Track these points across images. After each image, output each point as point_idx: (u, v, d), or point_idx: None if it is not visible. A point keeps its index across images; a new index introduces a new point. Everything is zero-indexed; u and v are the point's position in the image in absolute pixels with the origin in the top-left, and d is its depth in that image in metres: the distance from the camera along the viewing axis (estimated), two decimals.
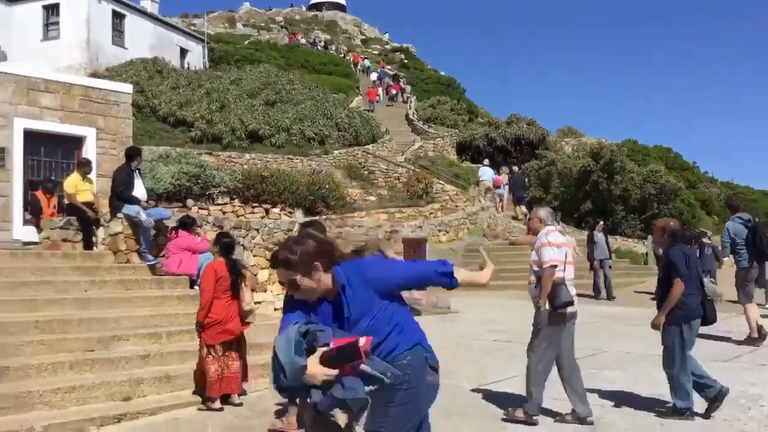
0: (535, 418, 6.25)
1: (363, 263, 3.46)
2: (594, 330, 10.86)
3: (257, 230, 12.73)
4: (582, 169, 27.25)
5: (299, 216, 19.70)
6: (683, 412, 6.28)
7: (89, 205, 11.18)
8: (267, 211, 20.11)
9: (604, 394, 7.20)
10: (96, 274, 9.56)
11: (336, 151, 28.35)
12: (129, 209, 10.44)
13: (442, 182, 26.26)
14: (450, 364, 8.92)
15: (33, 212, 12.44)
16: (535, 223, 6.58)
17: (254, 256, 11.94)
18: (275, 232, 16.74)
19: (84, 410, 6.45)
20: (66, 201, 11.66)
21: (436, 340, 9.70)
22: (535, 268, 6.33)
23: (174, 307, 9.31)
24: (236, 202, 20.30)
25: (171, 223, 10.98)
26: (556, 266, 6.15)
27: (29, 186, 12.66)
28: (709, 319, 6.55)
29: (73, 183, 11.22)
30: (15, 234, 12.21)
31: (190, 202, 19.30)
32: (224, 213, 19.22)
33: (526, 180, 28.48)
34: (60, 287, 8.83)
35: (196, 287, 10.21)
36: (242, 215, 19.45)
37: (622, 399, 7.00)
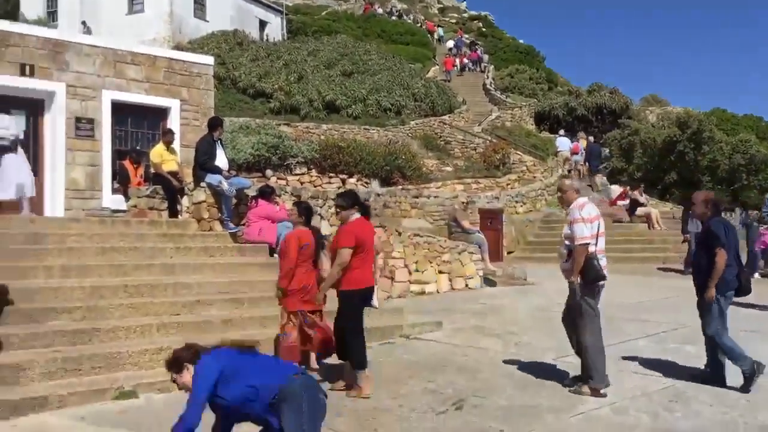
0: (603, 390, 6.22)
1: None
2: (677, 304, 10.55)
3: (334, 200, 12.83)
4: (667, 139, 26.32)
5: (375, 186, 19.78)
6: (751, 375, 6.33)
7: (174, 174, 11.52)
8: (343, 182, 20.26)
9: (686, 369, 7.01)
10: (180, 241, 9.87)
11: (412, 122, 28.25)
12: (211, 178, 10.70)
13: (519, 153, 25.85)
14: (527, 335, 8.89)
15: (121, 181, 12.89)
16: (570, 194, 6.50)
17: (331, 225, 12.07)
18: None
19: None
20: (152, 170, 12.05)
21: (514, 313, 9.69)
22: (567, 243, 6.37)
23: (254, 275, 9.54)
24: (313, 172, 20.52)
25: (251, 193, 11.22)
26: (587, 244, 6.18)
27: (117, 156, 13.10)
28: (744, 290, 6.63)
29: (158, 153, 11.57)
30: (104, 202, 12.69)
31: (269, 172, 19.64)
32: (302, 183, 19.48)
33: (607, 150, 27.71)
34: (147, 253, 9.17)
35: (276, 255, 10.43)
36: (319, 185, 19.67)
37: (704, 373, 6.80)
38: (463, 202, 15.54)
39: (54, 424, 5.35)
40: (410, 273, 12.59)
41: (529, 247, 19.33)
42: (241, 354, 4.10)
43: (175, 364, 4.12)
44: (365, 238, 6.61)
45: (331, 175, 20.54)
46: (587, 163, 26.14)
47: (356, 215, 6.66)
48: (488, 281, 13.67)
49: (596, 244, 6.24)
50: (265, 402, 3.91)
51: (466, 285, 13.22)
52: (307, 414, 3.93)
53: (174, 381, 4.18)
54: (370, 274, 6.83)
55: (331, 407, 5.81)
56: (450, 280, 13.12)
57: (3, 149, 10.22)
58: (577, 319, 6.36)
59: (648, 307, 10.74)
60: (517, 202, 21.34)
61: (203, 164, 10.80)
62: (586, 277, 6.21)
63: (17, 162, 10.46)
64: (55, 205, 12.13)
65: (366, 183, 20.41)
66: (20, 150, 10.52)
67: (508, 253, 17.81)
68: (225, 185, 10.65)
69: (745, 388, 6.29)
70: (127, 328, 7.15)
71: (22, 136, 10.64)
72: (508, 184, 23.22)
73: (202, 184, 10.88)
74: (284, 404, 3.89)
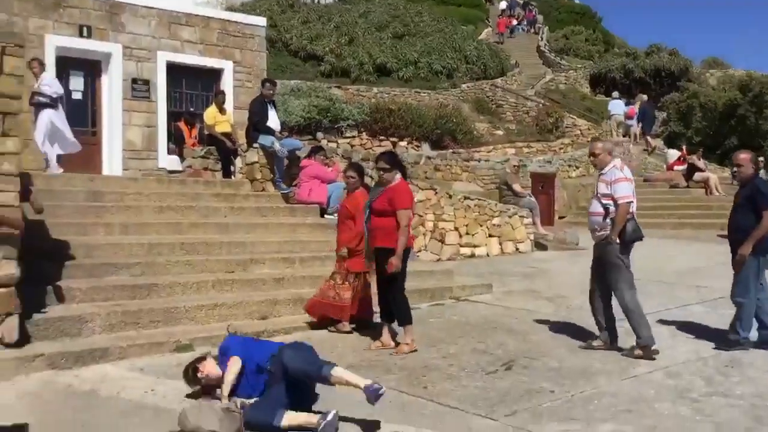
0: (654, 347, 6.23)
1: None
2: None
3: (375, 161, 12.82)
4: (728, 102, 25.48)
5: (426, 149, 19.68)
6: (742, 342, 6.47)
7: (227, 135, 11.67)
8: (394, 145, 20.18)
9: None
10: (234, 201, 10.04)
11: (464, 85, 27.90)
12: (264, 139, 10.81)
13: (573, 116, 25.33)
14: (579, 299, 8.78)
15: (176, 142, 13.12)
16: (604, 157, 6.49)
17: None
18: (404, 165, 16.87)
19: (225, 326, 6.86)
20: (206, 132, 12.22)
21: (566, 277, 9.61)
22: (604, 201, 6.33)
23: (306, 235, 9.65)
24: (364, 135, 20.48)
25: (303, 154, 11.30)
26: (631, 202, 6.23)
27: (172, 117, 13.31)
28: None
29: (211, 114, 11.71)
30: (160, 163, 12.95)
31: (319, 135, 19.69)
32: (352, 146, 19.49)
33: (666, 114, 26.96)
34: (202, 212, 9.35)
35: (327, 216, 10.53)
36: (369, 148, 19.65)
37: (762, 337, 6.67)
38: (514, 166, 15.36)
39: (114, 374, 5.54)
40: (460, 236, 12.57)
41: (582, 212, 18.98)
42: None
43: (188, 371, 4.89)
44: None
45: (382, 138, 20.47)
46: (641, 126, 25.49)
47: (399, 176, 6.66)
48: (539, 245, 13.56)
49: (634, 205, 6.34)
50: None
51: (517, 249, 13.14)
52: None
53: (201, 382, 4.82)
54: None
55: (381, 365, 5.91)
56: (500, 244, 13.06)
57: (44, 105, 10.42)
58: (615, 280, 6.35)
59: (704, 274, 10.52)
60: (569, 166, 20.99)
61: (256, 125, 10.91)
62: (626, 237, 6.24)
63: (62, 118, 10.66)
64: (112, 165, 12.43)
65: (417, 146, 20.31)
66: (60, 108, 10.70)
67: (560, 217, 17.61)
68: (277, 146, 10.74)
69: None
70: (184, 284, 7.32)
71: (62, 93, 10.80)
72: (560, 148, 22.84)
73: (255, 145, 11.00)
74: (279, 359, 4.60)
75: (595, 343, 6.54)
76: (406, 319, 6.53)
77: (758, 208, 6.33)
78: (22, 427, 4.30)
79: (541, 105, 25.98)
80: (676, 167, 20.05)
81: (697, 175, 18.90)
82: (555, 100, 26.87)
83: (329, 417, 4.18)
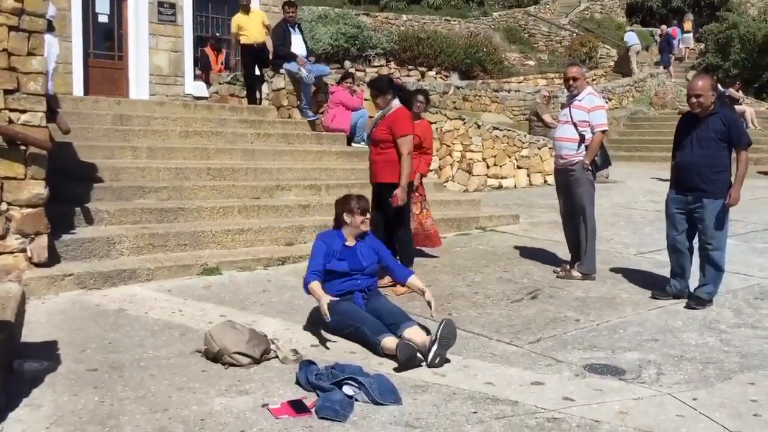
0: (594, 276, 6.46)
1: None
2: None
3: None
4: None
5: (455, 79, 19.31)
6: None
7: (260, 47, 11.12)
8: (422, 74, 19.85)
9: None
10: (260, 128, 9.97)
11: (495, 13, 27.19)
12: (290, 65, 10.63)
13: (607, 47, 24.65)
14: (608, 231, 8.74)
15: (202, 68, 13.01)
16: (583, 82, 6.51)
17: None
18: (431, 95, 16.61)
19: (251, 251, 6.92)
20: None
21: (594, 209, 9.48)
22: (581, 129, 6.33)
23: (332, 162, 9.59)
24: (392, 64, 20.12)
25: (330, 81, 11.13)
26: (606, 131, 6.43)
27: (198, 42, 13.15)
28: None
29: (235, 22, 11.26)
30: (187, 89, 12.89)
31: (347, 63, 19.38)
32: (380, 75, 19.21)
33: (703, 45, 26.09)
34: (228, 138, 9.30)
35: (354, 144, 10.44)
36: (398, 78, 19.35)
37: None
38: (545, 96, 15.02)
39: (142, 294, 5.62)
40: (488, 167, 12.44)
41: (613, 145, 18.66)
42: None
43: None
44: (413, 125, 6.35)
45: (410, 67, 20.12)
46: (661, 56, 24.76)
47: (396, 101, 6.20)
48: None
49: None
50: None
51: (545, 181, 12.98)
52: None
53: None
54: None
55: (407, 292, 5.90)
56: (528, 176, 12.92)
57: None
58: (585, 204, 6.49)
59: (736, 208, 10.29)
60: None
61: (277, 51, 10.70)
62: (599, 164, 6.48)
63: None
64: (139, 90, 12.40)
65: (445, 76, 19.94)
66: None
67: None
68: (304, 72, 10.56)
69: None
70: (211, 208, 7.34)
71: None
72: (593, 80, 22.26)
73: (282, 70, 10.83)
74: None
75: (574, 273, 6.56)
76: (409, 259, 6.26)
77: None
78: (51, 344, 4.38)
79: (574, 34, 25.31)
80: None
81: (735, 108, 18.37)
82: (589, 30, 26.12)
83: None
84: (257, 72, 11.31)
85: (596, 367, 4.29)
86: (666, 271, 6.11)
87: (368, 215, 4.94)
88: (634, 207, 10.70)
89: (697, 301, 5.62)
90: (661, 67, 25.03)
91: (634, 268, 6.93)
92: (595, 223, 6.61)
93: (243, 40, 11.07)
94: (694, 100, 5.56)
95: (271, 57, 11.05)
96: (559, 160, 6.61)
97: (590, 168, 6.37)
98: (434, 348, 4.18)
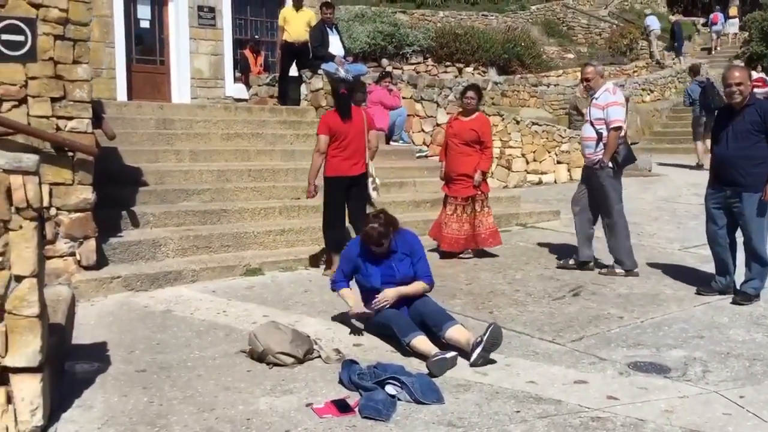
0: (637, 270, 6.40)
1: None
2: None
3: (450, 89, 12.61)
4: None
5: (493, 75, 19.22)
6: None
7: (302, 45, 11.10)
8: (460, 71, 19.78)
9: None
10: (300, 128, 10.05)
11: (533, 6, 26.95)
12: (328, 66, 10.67)
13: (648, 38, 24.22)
14: (651, 225, 8.62)
15: (242, 70, 13.16)
16: (597, 80, 6.46)
17: (447, 113, 11.89)
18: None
19: (293, 251, 7.00)
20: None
21: (636, 203, 9.35)
22: (597, 126, 6.27)
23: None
24: (429, 61, 20.11)
25: (367, 80, 11.15)
26: (621, 127, 6.23)
27: (237, 45, 13.31)
28: None
29: (282, 15, 11.25)
30: (227, 91, 13.05)
31: (384, 61, 19.41)
32: (417, 72, 19.15)
33: (747, 34, 25.49)
34: (269, 139, 9.40)
35: (392, 143, 10.47)
36: (435, 74, 19.30)
37: None
38: (584, 90, 14.83)
39: (188, 295, 5.73)
40: (527, 163, 12.35)
41: (656, 137, 18.42)
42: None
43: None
44: (338, 128, 6.38)
45: (447, 64, 20.08)
46: (675, 45, 24.22)
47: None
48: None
49: (625, 130, 6.39)
50: None
51: None
52: None
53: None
54: (349, 163, 6.49)
55: (447, 290, 5.92)
56: (569, 171, 12.78)
57: None
58: (608, 204, 6.39)
59: None
60: (643, 90, 20.21)
61: (315, 52, 10.76)
62: (620, 160, 6.28)
63: None
64: (181, 94, 12.60)
65: (483, 72, 19.85)
66: None
67: (632, 143, 17.03)
68: (342, 72, 10.58)
69: None
70: (252, 210, 7.44)
71: None
72: (634, 71, 21.96)
73: (319, 71, 10.89)
74: None
75: (570, 262, 6.63)
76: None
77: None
78: (101, 346, 4.50)
79: (614, 26, 24.94)
80: (756, 90, 19.03)
81: None
82: (629, 21, 25.70)
83: (448, 355, 4.15)
84: (296, 72, 11.40)
85: (641, 365, 4.25)
86: (711, 267, 5.99)
87: (382, 245, 4.73)
88: (677, 201, 10.53)
89: (743, 297, 5.52)
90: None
91: (679, 263, 6.84)
92: (625, 222, 6.46)
93: (285, 36, 11.13)
94: (734, 89, 5.42)
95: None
96: (584, 159, 6.61)
97: (611, 166, 6.28)
98: (478, 350, 4.18)
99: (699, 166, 13.45)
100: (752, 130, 5.38)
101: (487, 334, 4.19)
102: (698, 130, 14.05)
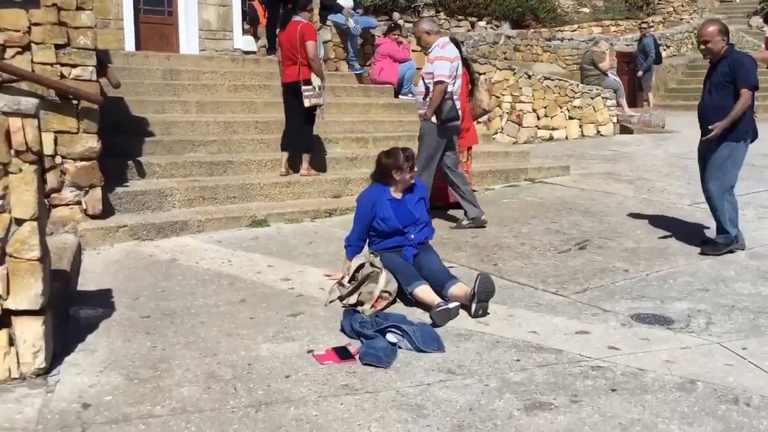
0: (483, 218, 6.48)
1: None
2: None
3: (462, 42, 12.41)
4: None
5: (506, 29, 18.89)
6: None
7: None
8: (472, 25, 19.46)
9: None
10: None
11: None
12: (337, 17, 10.54)
13: None
14: (662, 182, 8.56)
15: (251, 22, 12.99)
16: (426, 38, 6.35)
17: None
18: (480, 45, 16.33)
19: (299, 204, 6.98)
20: None
21: (648, 159, 9.27)
22: (426, 81, 6.27)
23: (379, 115, 9.55)
24: (441, 14, 19.78)
25: (377, 33, 11.01)
26: (445, 82, 6.14)
27: None
28: None
29: None
30: (236, 43, 12.90)
31: (395, 15, 19.13)
32: None
33: None
34: (276, 92, 9.24)
35: (401, 96, 10.36)
36: (447, 29, 19.02)
37: None
38: (604, 41, 14.57)
39: (193, 245, 5.74)
40: (538, 118, 12.21)
41: (670, 94, 18.17)
42: None
43: None
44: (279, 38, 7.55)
45: (460, 17, 19.74)
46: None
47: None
48: (623, 128, 13.04)
49: (453, 85, 6.26)
50: None
51: (598, 131, 12.69)
52: None
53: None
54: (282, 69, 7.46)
55: (452, 243, 5.91)
56: (580, 126, 12.64)
57: None
58: (418, 155, 6.10)
59: None
60: (660, 45, 19.81)
61: (323, 2, 10.60)
62: (443, 117, 6.21)
63: None
64: (189, 45, 12.47)
65: (496, 25, 19.52)
66: None
67: (646, 99, 16.82)
68: (351, 23, 10.48)
69: None
70: (259, 161, 7.42)
71: None
72: (651, 26, 21.51)
73: (328, 22, 10.75)
74: None
75: (464, 223, 6.52)
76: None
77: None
78: (106, 292, 4.53)
79: None
80: None
81: None
82: None
83: (451, 305, 4.15)
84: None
85: (644, 316, 4.24)
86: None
87: (415, 168, 4.85)
88: (689, 157, 10.33)
89: (711, 248, 5.59)
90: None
91: (688, 219, 6.77)
92: (428, 173, 6.31)
93: None
94: (702, 47, 5.57)
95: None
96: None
97: (432, 120, 6.25)
98: (475, 302, 4.19)
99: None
100: (723, 81, 5.44)
101: (477, 285, 4.18)
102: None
